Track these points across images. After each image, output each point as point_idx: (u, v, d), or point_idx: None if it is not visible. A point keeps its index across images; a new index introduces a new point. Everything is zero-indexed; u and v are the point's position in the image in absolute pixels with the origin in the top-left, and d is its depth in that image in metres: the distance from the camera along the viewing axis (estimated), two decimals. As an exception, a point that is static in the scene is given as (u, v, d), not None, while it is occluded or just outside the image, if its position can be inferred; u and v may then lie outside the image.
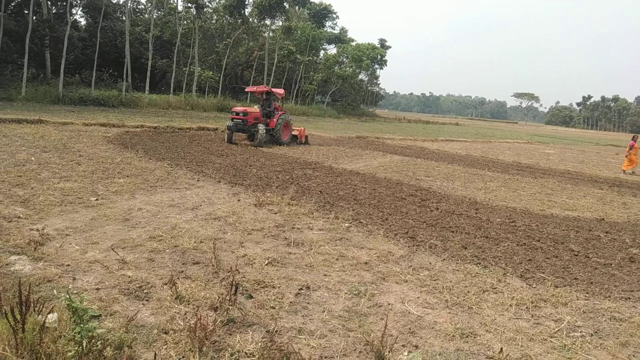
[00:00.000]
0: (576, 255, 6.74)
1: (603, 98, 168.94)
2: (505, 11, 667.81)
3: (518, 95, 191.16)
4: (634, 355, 3.93)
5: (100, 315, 3.77)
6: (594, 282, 5.65)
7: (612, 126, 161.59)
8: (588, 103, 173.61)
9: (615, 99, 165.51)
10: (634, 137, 21.85)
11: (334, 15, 66.23)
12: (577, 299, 5.06)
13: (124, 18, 42.88)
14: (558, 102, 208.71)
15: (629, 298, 5.22)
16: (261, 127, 17.45)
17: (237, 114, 17.73)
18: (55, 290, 4.12)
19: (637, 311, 4.87)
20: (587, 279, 5.77)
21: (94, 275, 4.60)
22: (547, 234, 7.82)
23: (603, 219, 9.61)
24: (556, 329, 4.28)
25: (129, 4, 43.15)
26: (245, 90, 21.27)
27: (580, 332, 4.28)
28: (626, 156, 21.28)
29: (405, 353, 3.59)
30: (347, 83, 62.24)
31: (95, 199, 7.46)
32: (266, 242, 6.16)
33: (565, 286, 5.41)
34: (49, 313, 3.39)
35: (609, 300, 5.10)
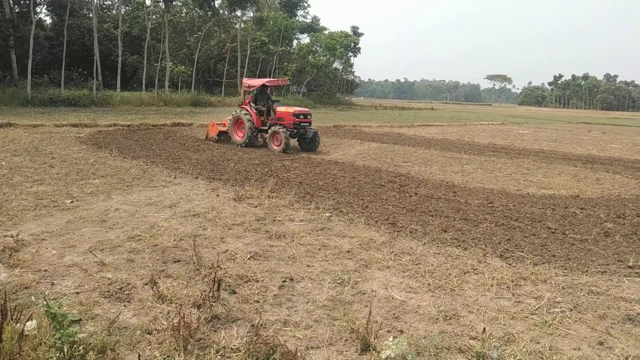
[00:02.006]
0: (553, 233, 6.87)
1: (574, 77, 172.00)
2: (477, 4, 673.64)
3: (491, 78, 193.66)
4: (611, 327, 4.03)
5: (80, 320, 3.71)
6: (572, 258, 5.78)
7: (583, 104, 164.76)
8: (559, 82, 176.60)
9: (585, 77, 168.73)
10: None
11: (306, 4, 65.74)
12: (556, 276, 5.17)
13: (91, 15, 41.92)
14: (530, 83, 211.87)
15: (605, 272, 5.36)
16: (282, 130, 14.61)
17: (306, 116, 15.01)
18: (33, 297, 4.04)
19: (613, 284, 5.00)
20: (565, 255, 5.89)
21: (73, 279, 4.52)
22: (524, 213, 7.95)
23: (578, 196, 9.82)
24: (537, 306, 4.37)
25: (96, 1, 42.18)
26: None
27: (560, 307, 4.38)
28: None
29: (391, 338, 3.62)
30: (322, 72, 61.99)
31: (70, 201, 7.31)
32: (247, 236, 6.13)
33: (544, 263, 5.51)
34: (28, 320, 3.32)
35: (587, 275, 5.23)
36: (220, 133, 16.34)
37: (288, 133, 14.43)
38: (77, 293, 4.22)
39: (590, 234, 6.90)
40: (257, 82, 16.32)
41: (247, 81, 16.69)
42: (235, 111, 15.81)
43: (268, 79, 17.45)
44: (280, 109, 15.09)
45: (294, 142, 15.23)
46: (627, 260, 5.72)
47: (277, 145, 14.58)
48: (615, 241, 6.58)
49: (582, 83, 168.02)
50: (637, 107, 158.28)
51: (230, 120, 15.90)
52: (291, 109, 15.04)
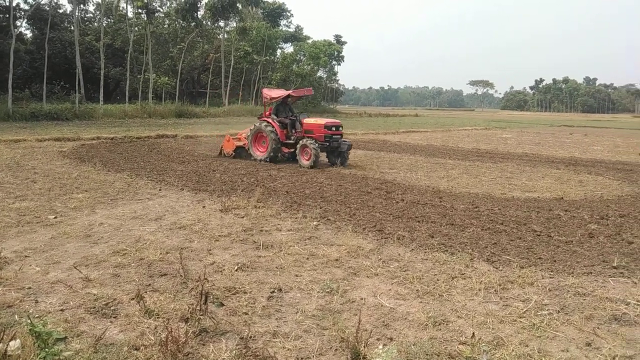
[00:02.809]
0: (539, 235, 6.94)
1: (554, 80, 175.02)
2: (458, 11, 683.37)
3: (474, 83, 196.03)
4: (598, 328, 4.07)
5: (66, 338, 3.64)
6: (557, 260, 5.83)
7: (564, 107, 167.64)
8: (540, 86, 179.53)
9: (566, 80, 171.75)
10: None
11: (289, 14, 66.36)
12: (543, 278, 5.21)
13: (72, 28, 41.71)
14: (512, 88, 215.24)
15: (591, 272, 5.42)
16: (312, 143, 13.42)
17: (337, 127, 14.00)
18: (16, 316, 3.96)
19: (599, 285, 5.05)
20: (551, 257, 5.95)
21: (58, 296, 4.44)
22: (509, 217, 8.02)
23: (562, 198, 9.94)
24: (524, 309, 4.40)
25: (77, 13, 41.87)
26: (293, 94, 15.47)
27: (548, 310, 4.41)
28: None
29: (381, 346, 3.62)
30: (306, 81, 62.24)
31: (53, 216, 7.21)
32: (234, 247, 6.09)
33: (530, 266, 5.56)
34: (11, 340, 3.25)
35: (573, 276, 5.28)
36: (237, 148, 15.19)
37: (317, 146, 13.32)
38: (62, 310, 4.15)
39: (575, 235, 6.98)
40: (280, 93, 15.23)
41: (267, 92, 15.40)
42: (255, 124, 14.54)
43: (293, 90, 16.25)
44: (309, 120, 14.10)
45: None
46: (611, 260, 5.79)
47: (307, 160, 13.38)
48: (600, 242, 6.67)
49: (563, 87, 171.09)
50: (616, 109, 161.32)
51: (249, 134, 14.70)
52: (321, 121, 14.00)
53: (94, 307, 4.23)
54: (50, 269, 5.10)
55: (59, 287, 4.64)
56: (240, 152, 15.15)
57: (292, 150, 14.33)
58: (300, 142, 13.60)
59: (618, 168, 15.22)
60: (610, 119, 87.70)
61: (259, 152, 14.44)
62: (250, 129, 14.62)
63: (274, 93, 15.29)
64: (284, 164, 14.07)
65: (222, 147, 15.59)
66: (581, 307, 4.49)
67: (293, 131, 14.21)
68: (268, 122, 14.23)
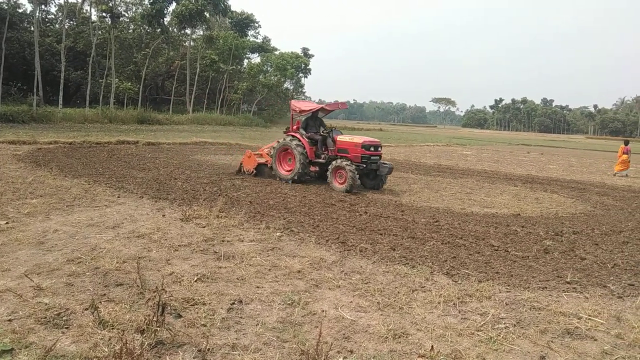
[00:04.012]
0: (496, 250, 7.11)
1: (513, 100, 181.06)
2: (423, 26, 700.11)
3: (436, 100, 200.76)
4: (552, 341, 4.18)
5: (13, 349, 3.47)
6: (514, 275, 5.98)
7: (522, 126, 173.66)
8: (500, 106, 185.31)
9: (524, 101, 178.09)
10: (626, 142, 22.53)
11: (257, 25, 66.08)
12: (500, 292, 5.33)
13: (32, 28, 40.37)
14: (473, 106, 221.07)
15: (546, 287, 5.57)
16: (348, 164, 11.89)
17: (377, 147, 12.37)
18: (-41, 326, 3.75)
19: (553, 299, 5.20)
20: (508, 272, 6.09)
21: (6, 305, 4.23)
22: (468, 232, 8.19)
23: (519, 214, 10.22)
24: (482, 323, 4.48)
25: (37, 14, 40.65)
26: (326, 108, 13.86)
27: (504, 323, 4.50)
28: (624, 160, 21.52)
29: (341, 359, 3.60)
30: (273, 92, 62.27)
31: (5, 222, 6.89)
32: (194, 257, 5.97)
33: (488, 280, 5.67)
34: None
35: (528, 290, 5.42)
36: (258, 165, 13.61)
37: (355, 168, 11.71)
38: (9, 320, 3.96)
39: (531, 251, 7.18)
40: (311, 105, 13.69)
41: (296, 104, 13.78)
42: (281, 139, 13.15)
43: (327, 103, 14.62)
44: (343, 138, 12.60)
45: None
46: (565, 276, 5.98)
47: (341, 183, 11.87)
48: (554, 258, 6.88)
49: (521, 107, 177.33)
50: (571, 130, 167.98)
51: (273, 150, 13.19)
52: (358, 139, 12.35)
53: (45, 317, 4.05)
54: (-1, 277, 4.86)
55: (7, 296, 4.42)
56: (262, 170, 13.62)
57: (321, 170, 13.10)
58: (334, 162, 12.08)
59: (572, 187, 15.80)
60: (565, 139, 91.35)
61: (284, 171, 12.95)
62: (274, 145, 13.15)
63: (303, 105, 13.79)
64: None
65: (241, 164, 13.99)
66: (536, 321, 4.60)
67: (323, 149, 12.82)
68: (296, 137, 12.78)
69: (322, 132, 13.02)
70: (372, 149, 12.12)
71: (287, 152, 12.91)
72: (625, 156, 21.55)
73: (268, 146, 14.09)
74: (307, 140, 12.74)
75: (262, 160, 13.60)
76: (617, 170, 21.53)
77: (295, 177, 12.57)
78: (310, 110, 13.28)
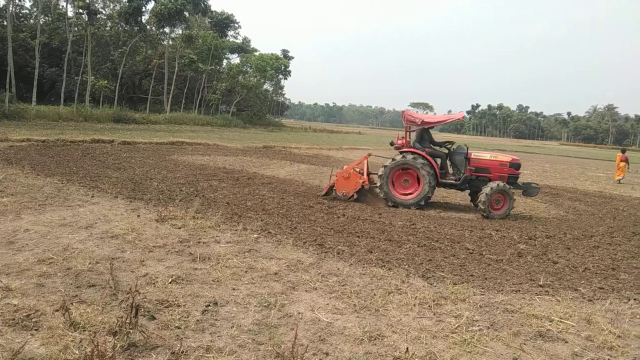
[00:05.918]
0: (471, 253, 7.20)
1: (489, 106, 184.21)
2: (403, 32, 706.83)
3: (414, 105, 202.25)
4: (524, 343, 4.24)
5: (-22, 352, 3.36)
6: (488, 278, 6.06)
7: (498, 132, 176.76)
8: (477, 111, 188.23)
9: (500, 107, 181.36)
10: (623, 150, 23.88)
11: (236, 25, 65.74)
12: (474, 295, 5.39)
13: (5, 23, 39.35)
14: (450, 111, 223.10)
15: (519, 290, 5.66)
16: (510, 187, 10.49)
17: (519, 167, 11.17)
18: None
19: (526, 302, 5.28)
20: (482, 275, 6.17)
21: (-29, 307, 4.11)
22: (444, 235, 8.28)
23: (493, 218, 10.36)
24: (456, 325, 4.52)
25: (11, 8, 39.67)
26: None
27: (478, 325, 4.55)
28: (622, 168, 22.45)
29: (316, 361, 3.59)
30: (252, 93, 61.99)
31: (-28, 221, 6.70)
32: (169, 258, 5.89)
33: (462, 283, 5.74)
34: None
35: (502, 293, 5.49)
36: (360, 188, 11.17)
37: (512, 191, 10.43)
38: (-25, 322, 3.84)
39: (505, 254, 7.29)
40: (433, 118, 12.11)
41: (414, 116, 11.51)
42: (398, 156, 11.06)
43: (447, 116, 13.25)
44: (482, 155, 11.05)
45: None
46: (538, 279, 6.09)
47: (499, 210, 10.35)
48: (528, 261, 7.00)
49: (497, 113, 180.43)
50: (545, 137, 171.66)
51: (383, 169, 11.00)
52: (505, 158, 10.96)
53: (14, 319, 3.93)
54: (-35, 278, 4.71)
55: (-27, 297, 4.29)
56: (362, 193, 11.38)
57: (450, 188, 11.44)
58: (491, 184, 10.25)
59: (545, 192, 16.10)
60: (540, 145, 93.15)
61: (403, 195, 10.94)
62: (386, 164, 11.01)
63: (426, 117, 11.90)
64: (221, 175, 13.72)
65: (333, 185, 11.24)
66: (509, 323, 4.67)
67: (452, 167, 11.38)
68: (418, 154, 10.83)
69: (447, 146, 11.61)
70: (519, 168, 11.05)
71: (406, 172, 11.00)
72: (622, 164, 22.49)
73: (355, 163, 12.02)
74: (431, 157, 10.89)
75: (361, 181, 11.16)
76: (617, 177, 22.52)
77: (422, 202, 10.78)
78: (438, 122, 11.88)
